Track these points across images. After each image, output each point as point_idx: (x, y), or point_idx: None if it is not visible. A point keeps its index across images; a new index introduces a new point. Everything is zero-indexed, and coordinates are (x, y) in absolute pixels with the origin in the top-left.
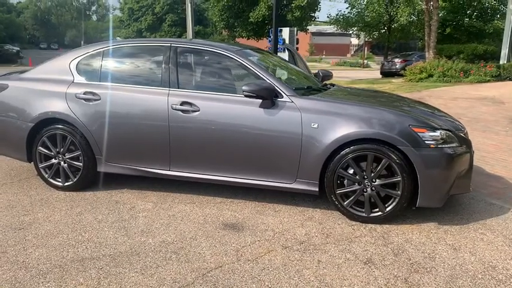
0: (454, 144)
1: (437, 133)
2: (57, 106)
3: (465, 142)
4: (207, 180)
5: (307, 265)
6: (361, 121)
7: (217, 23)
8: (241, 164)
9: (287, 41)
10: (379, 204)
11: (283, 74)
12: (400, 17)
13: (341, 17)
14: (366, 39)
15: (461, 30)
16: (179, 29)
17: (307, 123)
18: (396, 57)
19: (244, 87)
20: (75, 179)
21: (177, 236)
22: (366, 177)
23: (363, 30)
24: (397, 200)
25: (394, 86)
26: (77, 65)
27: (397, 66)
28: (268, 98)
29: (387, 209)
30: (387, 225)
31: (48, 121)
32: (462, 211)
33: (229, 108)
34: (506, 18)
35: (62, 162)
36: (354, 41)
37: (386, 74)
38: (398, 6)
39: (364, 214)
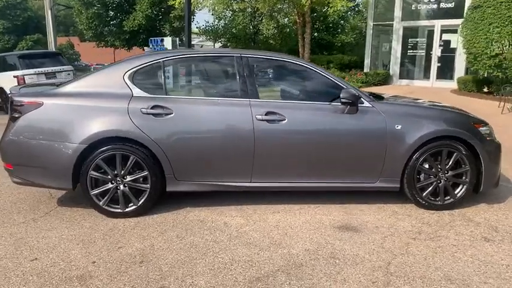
0: (493, 137)
1: (486, 127)
2: (119, 123)
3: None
4: (290, 188)
5: (451, 249)
6: (437, 121)
7: (84, 31)
8: (328, 169)
9: None
10: (451, 192)
11: None
12: (267, 30)
13: (210, 28)
14: None
15: (312, 43)
16: (13, 37)
17: (392, 125)
18: None
19: (342, 94)
20: (140, 203)
21: (313, 243)
22: (440, 169)
23: (231, 41)
24: (465, 186)
25: None
26: (133, 77)
27: None
28: (356, 104)
29: (457, 196)
30: (457, 210)
31: (103, 141)
32: (486, 193)
33: (315, 115)
34: (367, 33)
35: (122, 186)
36: None
37: None
38: (262, 20)
39: (439, 202)
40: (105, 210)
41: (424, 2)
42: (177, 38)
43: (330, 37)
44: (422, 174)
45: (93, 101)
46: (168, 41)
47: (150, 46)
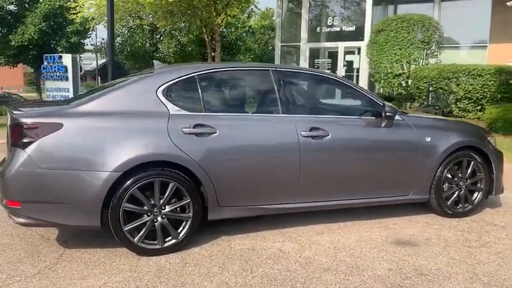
0: (495, 145)
1: (491, 137)
2: (158, 145)
3: None
4: (332, 206)
5: (506, 252)
6: (458, 132)
7: None
8: (368, 184)
9: (70, 69)
10: (469, 199)
11: None
12: (168, 48)
13: (106, 45)
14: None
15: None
16: None
17: (422, 137)
18: None
19: (387, 109)
20: (181, 236)
21: (388, 262)
22: (461, 178)
23: (128, 59)
24: (481, 193)
25: None
26: (167, 93)
27: None
28: (393, 117)
29: (475, 202)
30: (473, 216)
31: (139, 167)
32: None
33: (356, 130)
34: (275, 53)
35: (160, 218)
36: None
37: None
38: (161, 38)
39: (460, 210)
40: (139, 248)
41: (328, 25)
42: (78, 55)
43: (228, 57)
44: (446, 184)
45: (124, 121)
46: (67, 58)
47: (45, 63)
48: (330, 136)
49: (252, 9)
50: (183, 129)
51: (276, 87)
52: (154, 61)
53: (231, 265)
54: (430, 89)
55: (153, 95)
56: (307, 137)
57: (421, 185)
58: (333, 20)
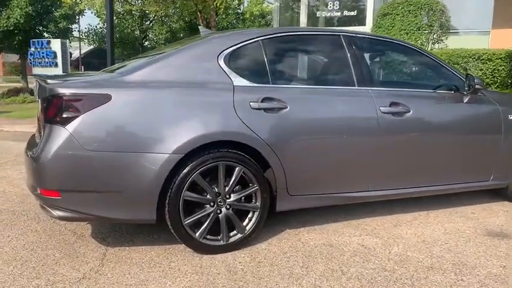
0: None
1: None
2: (224, 122)
3: None
4: (410, 194)
5: None
6: None
7: None
8: (451, 168)
9: (59, 55)
10: None
11: None
12: (159, 34)
13: (93, 31)
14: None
15: None
16: None
17: (505, 115)
18: None
19: (476, 81)
20: (247, 230)
21: (497, 258)
22: None
23: (117, 46)
24: None
25: None
26: (229, 60)
27: None
28: (479, 91)
29: None
30: None
31: (204, 148)
32: None
33: (438, 106)
34: None
35: (224, 208)
36: None
37: None
38: (151, 24)
39: None
40: (201, 245)
41: (329, 9)
42: (67, 41)
43: None
44: None
45: (183, 92)
46: (56, 43)
47: (33, 49)
48: (411, 112)
49: None
50: (251, 103)
51: (349, 55)
52: (199, 27)
53: (313, 264)
54: None
55: (213, 63)
56: (387, 113)
57: (502, 169)
58: (333, 5)
